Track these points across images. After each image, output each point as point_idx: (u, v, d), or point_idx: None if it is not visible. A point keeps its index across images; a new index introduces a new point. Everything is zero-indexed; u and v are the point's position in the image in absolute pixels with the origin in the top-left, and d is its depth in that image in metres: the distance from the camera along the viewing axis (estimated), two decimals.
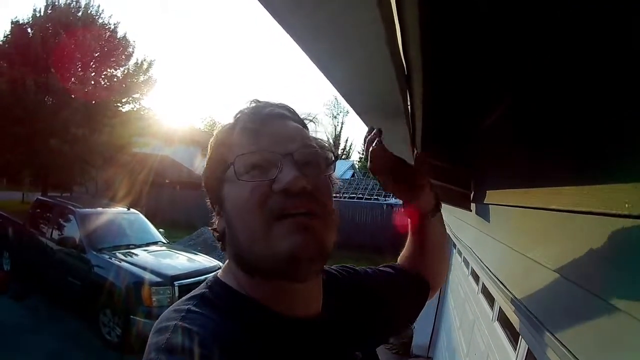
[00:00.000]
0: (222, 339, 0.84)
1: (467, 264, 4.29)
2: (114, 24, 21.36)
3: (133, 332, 7.11)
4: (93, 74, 20.56)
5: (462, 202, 2.28)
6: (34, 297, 9.64)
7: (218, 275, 1.04)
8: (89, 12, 20.49)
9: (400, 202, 1.52)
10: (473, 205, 2.28)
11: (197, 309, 0.90)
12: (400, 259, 1.57)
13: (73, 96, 18.44)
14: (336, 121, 53.11)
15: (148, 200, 19.57)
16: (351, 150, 55.42)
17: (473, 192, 2.13)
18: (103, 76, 21.09)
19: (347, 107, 1.57)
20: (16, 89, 17.30)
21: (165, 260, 8.86)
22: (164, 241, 10.45)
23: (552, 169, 1.12)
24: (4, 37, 19.71)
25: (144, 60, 21.90)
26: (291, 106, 1.09)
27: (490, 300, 2.92)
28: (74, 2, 20.40)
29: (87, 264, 8.48)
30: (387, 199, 19.74)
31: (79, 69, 19.84)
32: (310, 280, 0.97)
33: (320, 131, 1.11)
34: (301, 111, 1.10)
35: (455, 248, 5.55)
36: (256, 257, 0.92)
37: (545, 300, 1.20)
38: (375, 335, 1.32)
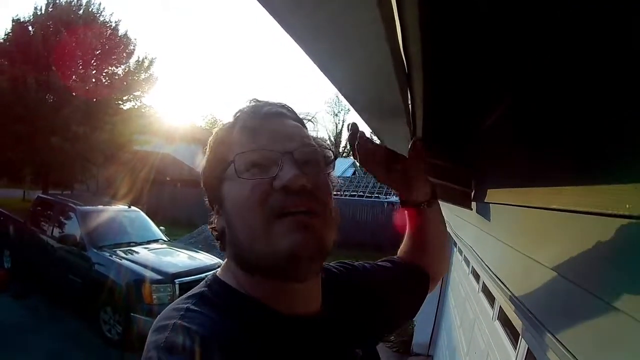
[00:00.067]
0: (221, 338, 0.84)
1: (467, 262, 4.29)
2: (115, 22, 21.32)
3: (134, 330, 7.13)
4: (94, 71, 20.53)
5: (462, 201, 2.28)
6: (34, 296, 9.64)
7: (217, 273, 1.04)
8: (90, 10, 20.44)
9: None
10: (474, 204, 2.28)
11: (196, 308, 0.90)
12: (399, 251, 1.57)
13: (74, 94, 18.42)
14: (337, 119, 53.06)
15: (149, 198, 19.63)
16: None
17: (474, 191, 2.13)
18: (104, 74, 21.05)
19: (348, 105, 1.57)
20: (17, 87, 17.28)
21: (166, 258, 8.88)
22: (165, 239, 10.47)
23: (552, 169, 1.12)
24: (5, 35, 19.67)
25: (145, 58, 21.87)
26: (290, 105, 1.09)
27: (491, 299, 2.92)
28: (75, 0, 20.36)
29: (87, 262, 8.50)
30: (387, 197, 19.73)
31: (80, 67, 19.80)
32: (309, 279, 0.98)
33: (321, 129, 1.11)
34: (300, 111, 1.11)
35: (456, 246, 5.54)
36: (256, 256, 0.93)
37: (544, 300, 1.20)
38: (375, 332, 1.32)
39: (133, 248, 9.09)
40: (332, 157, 1.06)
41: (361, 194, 21.03)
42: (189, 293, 0.98)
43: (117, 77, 21.25)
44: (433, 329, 7.55)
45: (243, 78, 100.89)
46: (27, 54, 18.19)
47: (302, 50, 0.94)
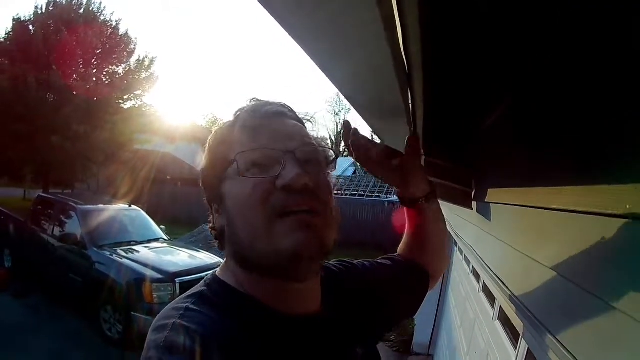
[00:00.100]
0: (221, 337, 0.84)
1: (468, 262, 4.29)
2: (116, 21, 21.31)
3: (134, 329, 7.12)
4: (95, 71, 20.53)
5: (463, 200, 2.28)
6: (34, 295, 9.64)
7: (216, 273, 1.04)
8: (90, 9, 20.44)
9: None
10: (474, 204, 2.28)
11: (195, 307, 0.90)
12: (399, 249, 1.56)
13: (75, 93, 18.44)
14: (338, 118, 52.96)
15: (149, 197, 19.59)
16: None
17: (474, 191, 2.13)
18: (105, 73, 21.05)
19: (349, 104, 1.57)
20: (18, 86, 17.27)
21: (167, 257, 8.87)
22: (165, 238, 10.47)
23: (552, 169, 1.12)
24: (6, 34, 19.67)
25: (146, 57, 21.87)
26: (289, 105, 1.09)
27: (491, 299, 2.92)
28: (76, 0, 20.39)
29: (88, 261, 8.50)
30: (388, 196, 19.72)
31: (81, 66, 19.79)
32: (309, 279, 0.98)
33: (322, 128, 1.12)
34: (299, 110, 1.11)
35: (456, 246, 5.54)
36: (257, 255, 0.92)
37: (544, 300, 1.19)
38: (375, 330, 1.31)
39: (133, 247, 9.08)
40: (334, 156, 1.06)
41: (362, 193, 21.03)
42: (189, 292, 0.98)
43: (117, 76, 21.24)
44: (433, 328, 7.55)
45: (243, 78, 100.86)
46: (27, 53, 18.19)
47: (302, 50, 0.94)
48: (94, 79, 20.07)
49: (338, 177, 26.00)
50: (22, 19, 19.54)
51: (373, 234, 17.48)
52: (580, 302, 0.91)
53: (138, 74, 21.57)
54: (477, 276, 3.53)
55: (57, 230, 9.90)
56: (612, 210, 0.76)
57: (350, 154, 1.39)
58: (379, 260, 1.46)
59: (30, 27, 19.48)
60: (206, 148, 1.06)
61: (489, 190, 1.85)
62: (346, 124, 1.38)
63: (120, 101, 21.54)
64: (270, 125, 1.00)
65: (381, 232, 16.71)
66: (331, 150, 1.05)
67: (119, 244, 9.05)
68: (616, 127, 0.77)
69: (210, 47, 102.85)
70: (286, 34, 0.84)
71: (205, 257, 9.06)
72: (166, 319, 0.86)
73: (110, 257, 8.34)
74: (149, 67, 21.79)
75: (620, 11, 0.60)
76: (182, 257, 8.99)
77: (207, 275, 1.06)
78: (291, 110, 1.09)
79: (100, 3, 20.86)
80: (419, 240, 1.51)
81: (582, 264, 0.93)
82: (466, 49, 0.90)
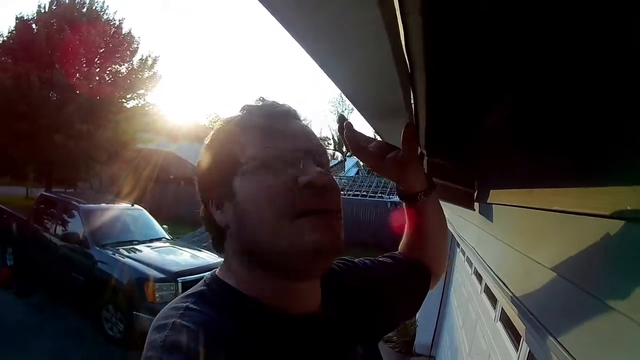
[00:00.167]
0: (221, 337, 0.84)
1: (470, 263, 4.29)
2: (119, 20, 21.40)
3: (136, 328, 7.12)
4: (97, 69, 20.58)
5: (465, 201, 2.27)
6: (37, 293, 9.66)
7: (216, 273, 1.04)
8: (93, 8, 20.52)
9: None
10: (476, 205, 2.27)
11: (195, 307, 0.90)
12: (400, 247, 1.55)
13: (77, 92, 18.51)
14: None
15: (152, 197, 19.62)
16: None
17: (477, 192, 2.13)
18: (108, 72, 21.14)
19: (352, 105, 1.57)
20: (20, 85, 17.33)
21: (169, 256, 8.87)
22: (168, 237, 10.48)
23: (554, 170, 1.11)
24: (9, 32, 19.74)
25: (149, 56, 21.96)
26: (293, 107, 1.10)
27: (493, 300, 2.92)
28: None
29: (90, 260, 8.51)
30: (391, 196, 19.74)
31: (84, 65, 19.87)
32: (318, 277, 1.01)
33: (325, 128, 1.13)
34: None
35: (458, 247, 5.54)
36: (274, 251, 0.93)
37: (546, 302, 1.19)
38: (376, 329, 1.31)
39: (136, 246, 9.08)
40: (343, 159, 1.07)
41: (364, 193, 21.08)
42: (188, 292, 0.98)
43: (120, 75, 21.34)
44: (435, 329, 7.55)
45: (244, 77, 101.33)
46: (30, 51, 18.25)
47: (303, 50, 0.94)
48: (97, 78, 20.14)
49: (341, 177, 26.03)
50: (25, 18, 19.63)
51: (375, 234, 17.51)
52: (582, 304, 0.91)
53: (141, 73, 21.65)
54: (479, 277, 3.53)
55: (59, 229, 9.92)
56: (614, 213, 0.76)
57: (346, 147, 1.39)
58: (380, 259, 1.46)
59: (33, 25, 19.57)
60: (208, 145, 1.05)
61: (491, 191, 1.85)
62: (341, 118, 1.38)
63: (123, 100, 21.63)
64: (285, 125, 1.01)
65: (383, 233, 16.71)
66: (338, 153, 1.06)
67: (122, 243, 9.04)
68: (615, 129, 0.77)
69: (212, 47, 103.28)
70: (287, 33, 0.84)
71: (207, 257, 9.05)
72: (166, 318, 0.86)
73: (113, 256, 8.34)
74: (151, 66, 21.87)
75: (620, 11, 0.60)
76: (184, 257, 8.99)
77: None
78: (297, 113, 1.09)
79: (104, 2, 20.94)
80: (419, 237, 1.50)
81: (582, 266, 0.93)
82: (467, 48, 0.89)
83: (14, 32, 19.58)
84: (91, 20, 19.80)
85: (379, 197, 20.52)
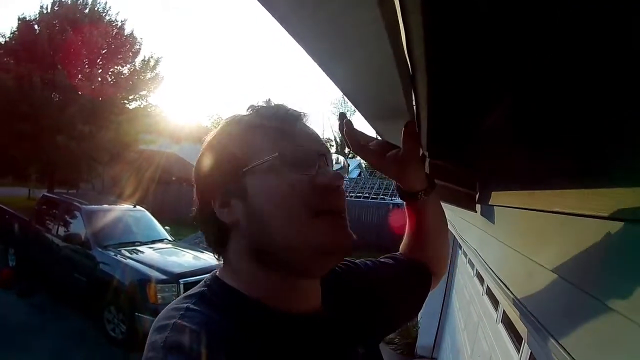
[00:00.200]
0: (222, 337, 0.84)
1: (472, 265, 4.29)
2: (121, 21, 21.45)
3: (139, 330, 7.12)
4: (100, 70, 20.63)
5: (467, 203, 2.27)
6: (39, 294, 9.67)
7: (217, 273, 1.04)
8: (95, 9, 20.56)
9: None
10: (478, 207, 2.27)
11: (196, 307, 0.90)
12: (401, 247, 1.55)
13: (80, 93, 18.55)
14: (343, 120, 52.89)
15: (154, 198, 19.64)
16: None
17: (478, 193, 2.13)
18: (110, 73, 21.19)
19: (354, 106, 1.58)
20: (23, 86, 17.36)
21: (171, 257, 8.89)
22: (170, 239, 10.48)
23: (554, 172, 1.11)
24: (11, 33, 19.78)
25: (151, 58, 21.99)
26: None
27: (495, 302, 2.91)
28: None
29: (92, 261, 8.52)
30: (393, 198, 19.73)
31: (86, 66, 19.90)
32: (323, 275, 1.03)
33: (328, 129, 1.15)
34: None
35: (460, 249, 5.54)
36: (291, 250, 0.94)
37: (548, 304, 1.19)
38: (377, 330, 1.31)
39: (138, 248, 9.09)
40: (347, 164, 1.10)
41: (366, 195, 21.06)
42: (188, 293, 0.98)
43: (122, 76, 21.37)
44: (437, 331, 7.55)
45: (244, 78, 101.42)
46: (32, 52, 18.29)
47: (304, 51, 0.94)
48: (99, 79, 20.18)
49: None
50: (27, 19, 19.66)
51: (377, 236, 17.46)
52: (582, 306, 0.91)
53: (143, 74, 21.69)
54: (481, 279, 3.53)
55: (61, 230, 9.93)
56: (614, 215, 0.75)
57: (347, 145, 1.39)
58: (381, 260, 1.46)
59: (36, 26, 19.62)
60: (213, 143, 1.04)
61: (492, 193, 1.85)
62: (341, 116, 1.39)
63: (126, 101, 21.67)
64: (301, 127, 1.04)
65: (386, 234, 16.68)
66: (342, 157, 1.08)
67: (124, 245, 9.06)
68: (616, 130, 0.77)
69: (213, 48, 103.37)
70: (287, 34, 0.84)
71: (209, 258, 9.00)
72: (166, 319, 0.86)
73: (115, 257, 8.35)
74: (154, 67, 21.91)
75: (620, 11, 0.60)
76: (186, 258, 8.99)
77: None
78: (307, 116, 1.10)
79: (106, 3, 20.99)
80: (419, 237, 1.50)
81: (582, 267, 0.93)
82: (468, 48, 0.89)
83: (16, 32, 19.62)
84: (93, 21, 19.84)
85: (381, 198, 20.51)
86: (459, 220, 3.92)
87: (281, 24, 0.80)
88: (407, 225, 1.53)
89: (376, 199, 20.57)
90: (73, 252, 9.02)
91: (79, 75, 19.20)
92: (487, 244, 2.39)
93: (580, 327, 0.94)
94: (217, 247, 1.05)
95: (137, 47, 21.82)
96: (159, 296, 7.34)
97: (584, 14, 0.63)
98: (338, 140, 46.36)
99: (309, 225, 0.93)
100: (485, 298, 3.29)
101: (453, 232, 4.56)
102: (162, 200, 20.67)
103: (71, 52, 18.37)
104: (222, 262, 1.05)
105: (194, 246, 11.14)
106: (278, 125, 1.00)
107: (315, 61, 1.00)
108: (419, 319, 7.82)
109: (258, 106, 1.06)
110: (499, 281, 1.81)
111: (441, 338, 7.38)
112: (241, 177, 0.96)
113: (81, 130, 17.90)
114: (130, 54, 21.60)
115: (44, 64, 18.18)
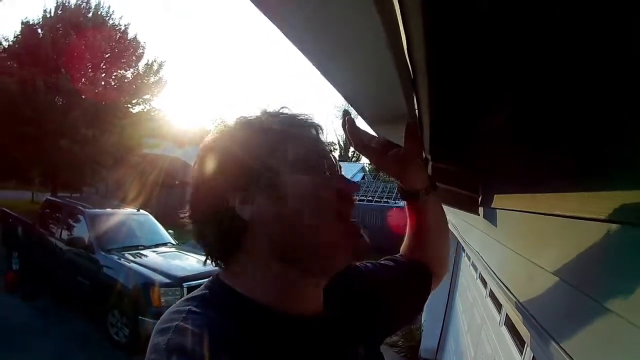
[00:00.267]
0: (224, 339, 0.84)
1: (475, 267, 4.29)
2: (125, 25, 21.51)
3: (142, 333, 7.11)
4: (103, 74, 20.72)
5: (470, 206, 2.27)
6: (42, 297, 9.68)
7: (218, 276, 1.04)
8: (99, 13, 20.62)
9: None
10: (481, 209, 2.27)
11: (198, 310, 0.90)
12: (402, 248, 1.56)
13: (83, 97, 18.58)
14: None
15: (158, 202, 19.64)
16: None
17: (481, 196, 2.12)
18: (113, 77, 21.24)
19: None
20: (26, 90, 17.41)
21: (175, 261, 8.86)
22: (174, 242, 10.47)
23: (555, 174, 1.11)
24: (14, 37, 19.85)
25: (155, 62, 22.05)
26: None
27: (498, 304, 2.91)
28: (84, 3, 20.53)
29: (96, 265, 8.51)
30: (396, 201, 19.72)
31: (89, 70, 19.96)
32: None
33: (331, 133, 1.18)
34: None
35: (464, 252, 5.54)
36: (316, 248, 0.96)
37: (550, 307, 1.19)
38: (377, 330, 1.31)
39: (141, 251, 9.09)
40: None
41: (370, 198, 21.05)
42: (190, 295, 0.98)
43: (126, 80, 21.44)
44: (441, 334, 7.55)
45: (244, 80, 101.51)
46: (36, 56, 18.33)
47: (302, 54, 0.93)
48: (103, 83, 20.26)
49: None
50: (30, 23, 19.71)
51: (381, 239, 17.40)
52: (583, 308, 0.91)
53: (147, 78, 21.74)
54: (484, 282, 3.53)
55: (65, 234, 9.91)
56: (615, 217, 0.75)
57: (349, 143, 1.40)
58: (381, 261, 1.46)
59: (39, 30, 19.67)
60: (234, 138, 1.03)
61: (495, 196, 1.85)
62: (344, 113, 1.40)
63: (129, 105, 21.73)
64: (318, 135, 1.06)
65: (389, 237, 16.64)
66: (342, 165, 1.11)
67: (127, 248, 9.06)
68: (616, 133, 0.77)
69: (220, 51, 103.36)
70: (286, 37, 0.84)
71: None
72: (169, 322, 0.87)
73: (118, 261, 8.35)
74: (157, 71, 21.96)
75: (620, 11, 0.60)
76: (190, 262, 8.95)
77: None
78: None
79: (109, 7, 21.08)
80: (420, 237, 1.50)
81: (583, 269, 0.93)
82: (469, 49, 0.89)
83: (19, 36, 19.69)
84: (97, 25, 19.89)
85: (384, 202, 20.51)
86: (462, 223, 3.92)
87: (279, 27, 0.80)
88: (407, 225, 1.53)
89: (380, 202, 20.56)
90: (76, 255, 9.02)
91: (83, 79, 19.24)
92: (489, 246, 2.39)
93: (581, 330, 0.94)
94: (222, 247, 1.02)
95: (141, 51, 21.88)
96: (162, 300, 7.33)
97: (584, 14, 0.63)
98: (342, 143, 46.37)
99: (337, 228, 0.97)
100: (489, 300, 3.29)
101: (456, 234, 4.56)
102: (165, 204, 20.65)
103: (74, 56, 18.42)
104: (223, 264, 1.04)
105: (197, 250, 11.10)
106: (307, 130, 1.04)
107: (312, 63, 1.00)
108: (422, 322, 7.82)
109: (278, 111, 1.07)
110: (501, 284, 1.81)
111: (445, 341, 7.37)
112: (270, 174, 0.96)
113: (85, 134, 17.95)
114: (133, 57, 21.65)
115: (48, 68, 18.23)
